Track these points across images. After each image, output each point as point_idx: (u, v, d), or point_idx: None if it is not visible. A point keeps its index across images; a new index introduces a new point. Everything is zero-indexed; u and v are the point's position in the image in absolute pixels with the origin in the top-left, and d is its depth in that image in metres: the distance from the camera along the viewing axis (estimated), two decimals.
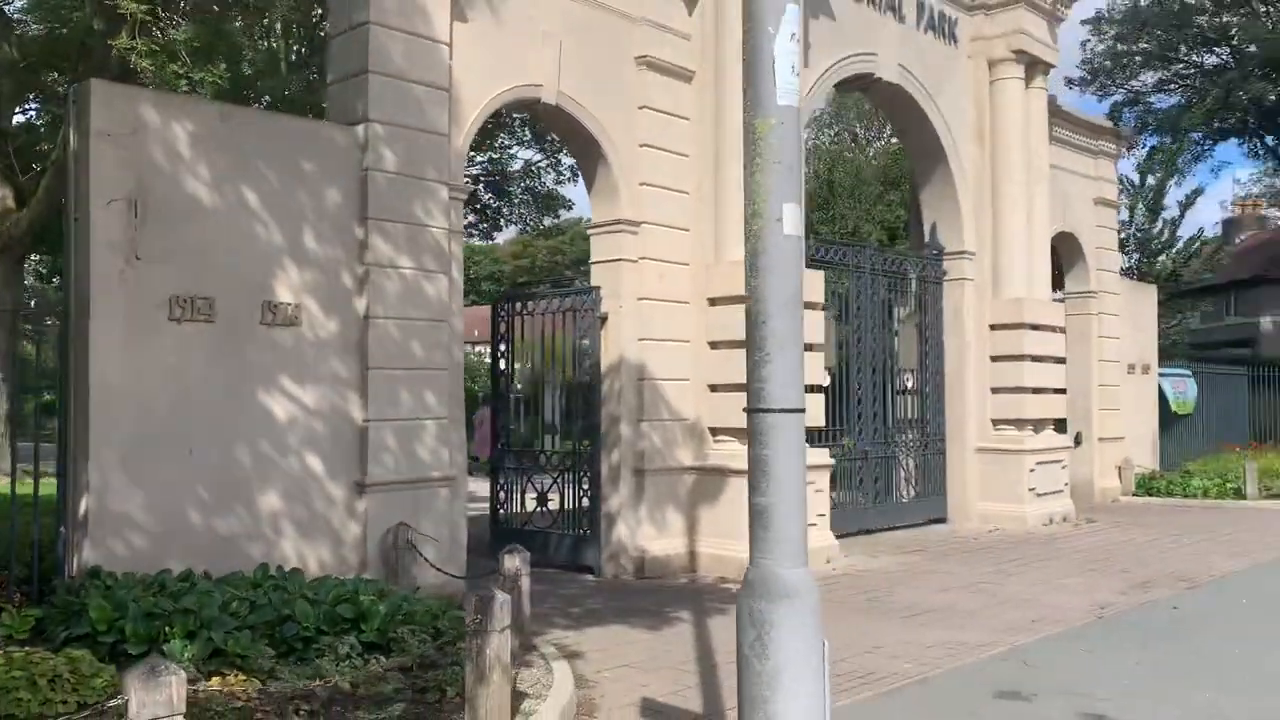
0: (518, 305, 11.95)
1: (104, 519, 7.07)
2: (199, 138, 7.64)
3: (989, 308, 15.65)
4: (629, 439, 10.86)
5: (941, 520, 15.47)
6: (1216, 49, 31.76)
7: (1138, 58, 34.12)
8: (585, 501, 11.07)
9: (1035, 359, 15.61)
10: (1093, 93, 36.23)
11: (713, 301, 11.38)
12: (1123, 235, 31.92)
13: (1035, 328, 15.63)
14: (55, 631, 6.14)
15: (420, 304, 8.88)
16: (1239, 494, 18.05)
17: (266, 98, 15.81)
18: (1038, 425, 15.69)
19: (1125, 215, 32.15)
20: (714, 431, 11.37)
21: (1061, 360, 16.25)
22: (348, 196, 8.53)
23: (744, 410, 4.19)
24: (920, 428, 15.67)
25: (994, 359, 15.61)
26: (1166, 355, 28.51)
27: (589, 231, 11.37)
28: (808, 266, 11.98)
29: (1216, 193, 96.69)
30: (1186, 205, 29.50)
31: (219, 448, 7.64)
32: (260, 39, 17.63)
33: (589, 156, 11.01)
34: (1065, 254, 18.87)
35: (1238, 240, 49.66)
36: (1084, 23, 34.32)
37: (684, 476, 11.29)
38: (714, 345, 11.38)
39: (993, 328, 15.63)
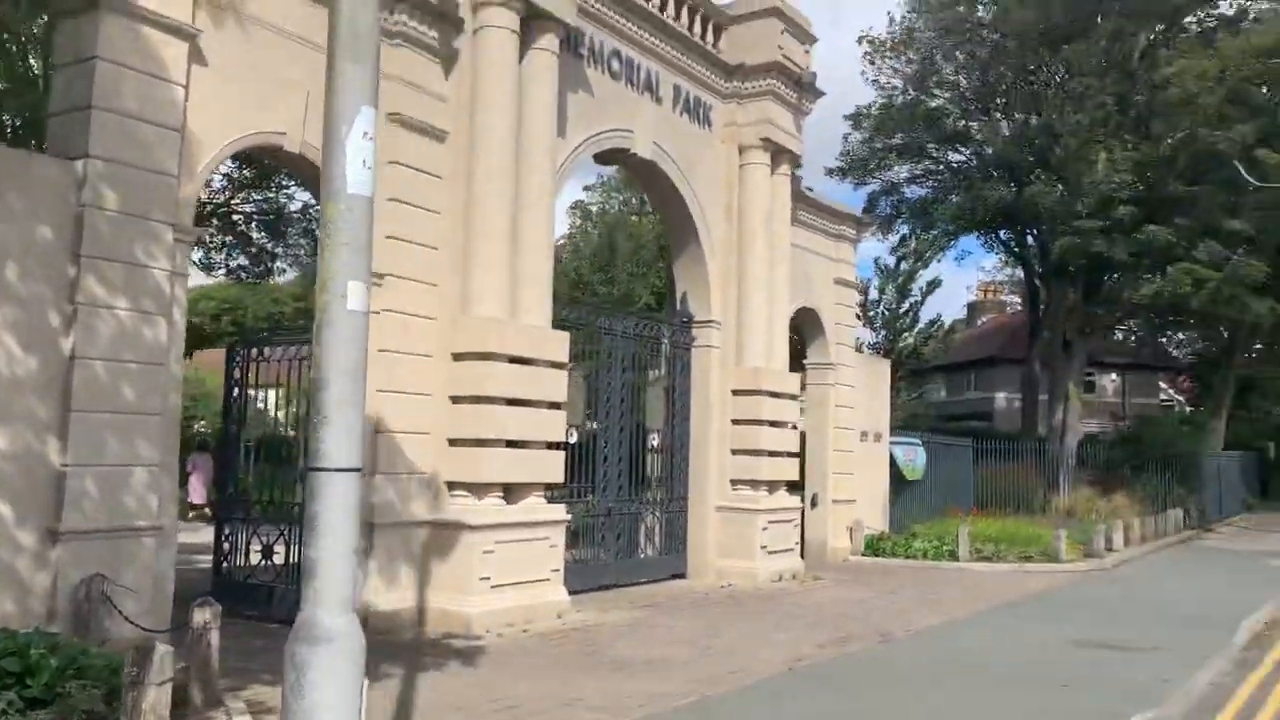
0: (254, 351, 11.74)
1: None
2: None
3: (732, 374, 16.58)
4: (362, 491, 10.80)
5: (682, 576, 16.10)
6: (960, 148, 34.94)
7: (891, 152, 36.99)
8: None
9: (772, 424, 16.63)
10: (850, 181, 39.04)
11: (457, 356, 11.56)
12: (872, 313, 34.56)
13: (773, 395, 16.67)
14: None
15: (135, 346, 8.63)
16: (953, 555, 19.69)
17: (13, 119, 14.94)
18: (772, 486, 16.68)
19: (876, 295, 34.88)
20: (451, 486, 11.49)
21: (795, 426, 17.37)
22: (60, 232, 8.24)
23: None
24: (667, 486, 16.34)
25: (735, 422, 16.50)
26: (911, 425, 30.86)
27: None
28: (556, 328, 12.48)
29: (965, 277, 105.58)
30: (928, 292, 32.32)
31: None
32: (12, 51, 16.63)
33: None
34: (807, 328, 20.25)
35: (980, 322, 54.52)
36: (846, 117, 36.90)
37: (418, 530, 11.33)
38: (455, 400, 11.54)
39: (734, 393, 16.55)
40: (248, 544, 11.53)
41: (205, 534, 14.00)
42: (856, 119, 36.68)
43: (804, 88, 17.26)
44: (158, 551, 8.80)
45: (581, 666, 9.49)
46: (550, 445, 12.26)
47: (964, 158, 35.28)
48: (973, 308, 54.75)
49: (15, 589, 7.88)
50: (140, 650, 5.03)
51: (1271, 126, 25.26)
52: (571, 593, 12.82)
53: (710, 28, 16.64)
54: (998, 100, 32.59)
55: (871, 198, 37.74)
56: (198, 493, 21.51)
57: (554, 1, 12.29)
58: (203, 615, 6.88)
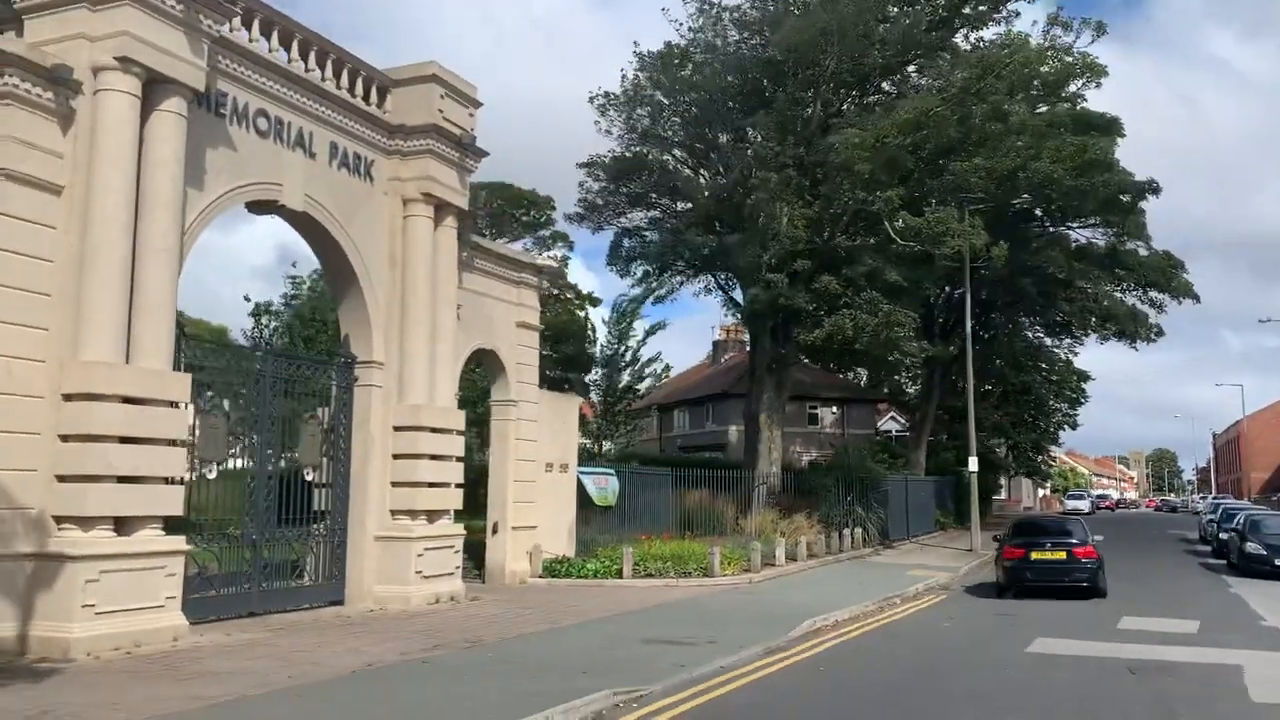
0: None
1: None
2: None
3: (394, 411, 17.79)
4: None
5: (340, 603, 17.07)
6: (679, 200, 37.68)
7: (624, 199, 39.32)
8: None
9: (434, 457, 17.93)
10: (588, 226, 41.24)
11: (67, 397, 12.24)
12: (593, 352, 36.66)
13: (434, 430, 17.99)
14: None
15: None
16: (619, 574, 21.55)
17: None
18: (432, 515, 17.95)
19: (602, 339, 37.03)
20: (59, 519, 12.11)
21: (460, 459, 18.75)
22: None
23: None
24: (330, 518, 17.32)
25: (396, 456, 17.70)
26: (629, 458, 32.96)
27: None
28: (184, 370, 13.36)
29: (714, 317, 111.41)
30: (649, 333, 34.68)
31: None
32: None
33: None
34: (489, 368, 21.76)
35: (724, 359, 58.14)
36: (579, 165, 39.00)
37: (24, 564, 11.89)
38: (65, 439, 12.20)
39: (396, 429, 17.76)
40: None
41: None
42: (590, 167, 38.74)
43: (465, 148, 18.84)
44: None
45: (154, 679, 10.39)
46: (170, 480, 13.08)
47: (683, 208, 37.97)
48: (717, 345, 58.38)
49: None
50: None
51: (918, 190, 28.99)
52: (212, 620, 13.57)
53: (374, 90, 17.98)
54: (711, 156, 35.52)
55: (616, 238, 39.84)
56: None
57: (177, 69, 13.27)
58: None
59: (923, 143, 27.95)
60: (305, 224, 16.91)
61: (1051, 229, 40.10)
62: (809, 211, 28.71)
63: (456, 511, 18.81)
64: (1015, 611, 18.12)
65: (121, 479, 12.40)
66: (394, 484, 17.66)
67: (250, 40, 15.40)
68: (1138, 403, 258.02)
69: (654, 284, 38.61)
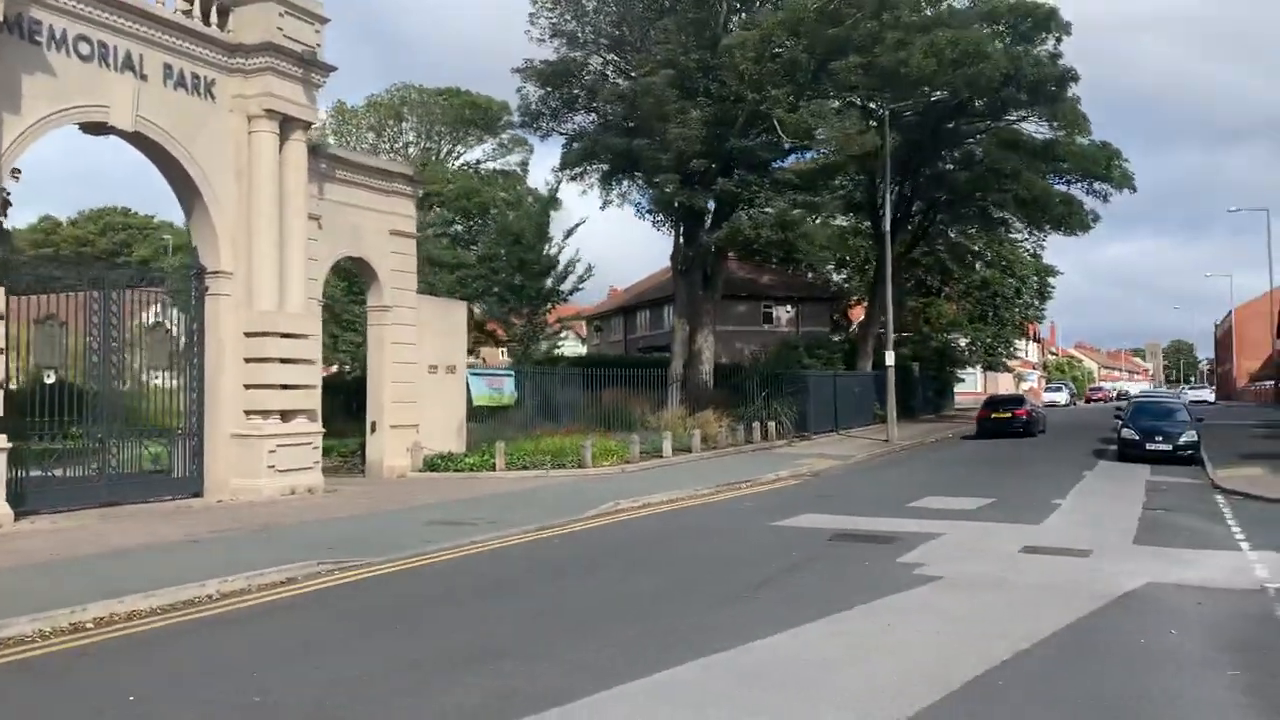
0: None
1: None
2: None
3: (244, 318, 18.97)
4: None
5: (199, 494, 18.53)
6: (605, 105, 37.97)
7: (560, 105, 39.59)
8: None
9: (285, 361, 19.16)
10: (534, 133, 41.64)
11: None
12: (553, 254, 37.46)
13: (285, 336, 19.17)
14: None
15: None
16: (493, 468, 22.93)
17: None
18: (286, 415, 19.26)
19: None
20: None
21: (312, 361, 19.97)
22: None
23: None
24: (187, 418, 18.68)
25: (248, 360, 18.93)
26: (555, 360, 34.09)
27: None
28: (36, 285, 14.49)
29: None
30: (568, 234, 35.47)
31: None
32: None
33: None
34: (363, 275, 22.83)
35: None
36: (514, 71, 39.20)
37: None
38: None
39: (247, 335, 18.95)
40: None
41: None
42: (523, 73, 38.97)
43: (308, 63, 19.57)
44: None
45: None
46: None
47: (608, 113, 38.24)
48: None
49: None
50: None
51: (812, 85, 29.31)
52: (60, 510, 15.13)
53: (214, 10, 18.69)
54: (628, 60, 35.74)
55: (568, 141, 39.85)
56: None
57: None
58: None
59: (813, 45, 28.20)
60: (143, 143, 17.84)
61: (987, 125, 40.15)
62: (702, 114, 29.16)
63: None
64: (836, 493, 19.34)
65: None
66: (246, 386, 18.92)
67: None
68: (1178, 295, 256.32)
69: (606, 190, 39.21)
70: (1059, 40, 36.96)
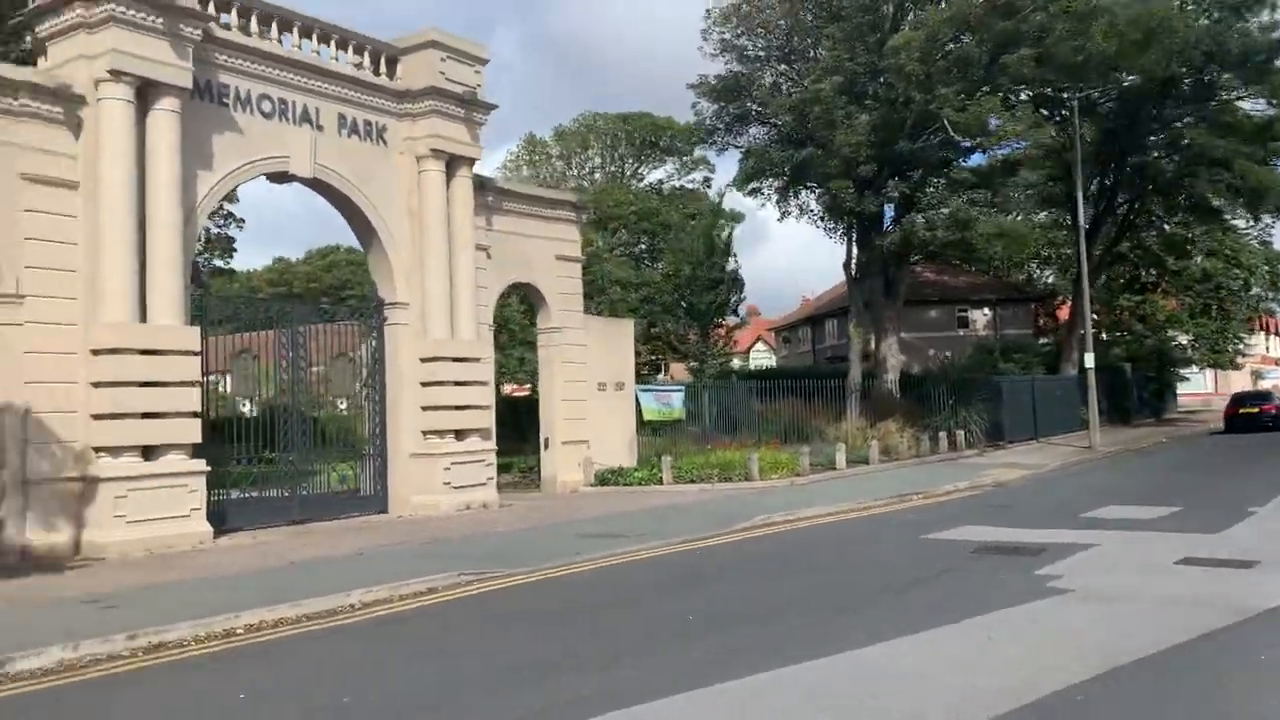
0: None
1: None
2: None
3: (420, 346, 20.20)
4: (15, 461, 14.65)
5: (384, 511, 19.87)
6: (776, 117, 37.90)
7: (734, 119, 39.87)
8: None
9: (458, 384, 20.28)
10: (710, 148, 42.19)
11: (95, 352, 15.28)
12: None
13: (457, 360, 20.30)
14: None
15: None
16: (660, 481, 23.31)
17: None
18: (460, 434, 20.35)
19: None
20: (98, 450, 15.24)
21: (483, 383, 20.99)
22: None
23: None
24: (372, 441, 20.10)
25: (424, 384, 20.15)
26: (726, 374, 34.24)
27: None
28: (214, 323, 16.19)
29: None
30: (728, 249, 35.48)
31: None
32: None
33: None
34: (532, 299, 23.79)
35: None
36: (689, 87, 39.80)
37: (73, 485, 15.12)
38: (96, 385, 15.27)
39: (422, 360, 20.19)
40: None
41: None
42: (697, 89, 39.53)
43: (469, 103, 20.70)
44: None
45: (152, 569, 13.27)
46: (190, 414, 15.99)
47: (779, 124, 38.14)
48: None
49: None
50: None
51: (985, 78, 28.22)
52: (258, 527, 16.76)
53: (383, 61, 20.13)
54: (797, 69, 35.55)
55: (744, 155, 40.22)
56: None
57: (165, 73, 15.85)
58: None
59: (983, 39, 27.21)
60: (322, 188, 19.40)
61: (1194, 108, 37.24)
62: (870, 118, 28.64)
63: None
64: (1009, 505, 18.52)
65: (144, 415, 15.40)
66: (423, 408, 20.14)
67: (249, 35, 17.81)
68: None
69: (784, 201, 39.20)
70: (1275, 8, 33.99)
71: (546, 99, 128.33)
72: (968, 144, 27.66)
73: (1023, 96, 30.52)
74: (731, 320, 40.77)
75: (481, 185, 21.89)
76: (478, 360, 20.90)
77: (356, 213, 19.79)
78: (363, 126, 19.73)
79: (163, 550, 15.07)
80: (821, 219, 35.02)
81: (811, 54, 34.40)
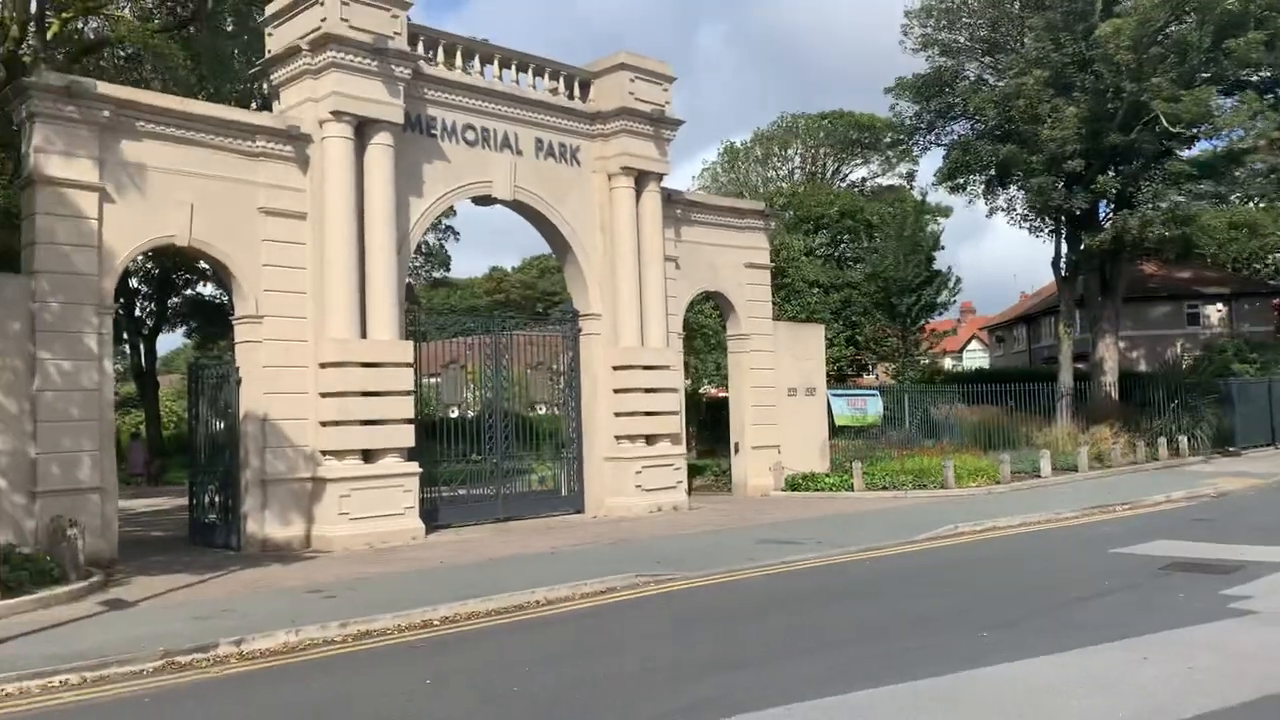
0: (197, 373, 17.81)
1: None
2: None
3: (612, 354, 21.15)
4: (255, 463, 16.56)
5: (580, 511, 20.94)
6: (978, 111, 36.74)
7: (938, 117, 39.01)
8: (231, 503, 16.78)
9: (648, 390, 21.11)
10: (914, 146, 41.45)
11: (322, 365, 17.03)
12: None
13: (647, 368, 21.12)
14: None
15: (78, 383, 14.64)
16: (851, 487, 23.28)
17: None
18: (651, 439, 21.16)
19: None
20: (325, 453, 16.97)
21: (673, 390, 21.70)
22: (24, 322, 14.35)
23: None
24: (569, 444, 21.25)
25: (616, 391, 21.09)
26: (930, 378, 33.53)
27: (233, 320, 17.15)
28: (425, 337, 17.74)
29: None
30: (933, 247, 34.56)
31: None
32: None
33: (224, 277, 16.84)
34: (720, 307, 24.31)
35: None
36: (886, 90, 39.28)
37: (304, 485, 16.91)
38: (324, 395, 17.01)
39: (614, 368, 21.13)
40: (210, 499, 17.57)
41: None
42: (895, 90, 38.99)
43: (657, 121, 21.48)
44: (102, 503, 14.80)
45: (368, 562, 14.73)
46: (405, 421, 17.51)
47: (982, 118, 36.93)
48: None
49: (13, 527, 14.07)
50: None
51: (1206, 67, 26.46)
52: (470, 524, 18.23)
53: (576, 85, 21.23)
54: (1000, 61, 34.34)
55: (949, 151, 39.39)
56: (137, 466, 33.19)
57: (380, 110, 17.44)
58: (70, 528, 12.71)
59: (1203, 22, 25.53)
60: (520, 208, 20.68)
61: None
62: (1077, 110, 27.40)
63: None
64: (1221, 518, 17.49)
65: (365, 422, 17.01)
66: (616, 414, 21.07)
67: (453, 69, 19.26)
68: None
69: (991, 197, 38.08)
70: None
71: (752, 95, 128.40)
72: (1190, 133, 25.96)
73: (1254, 80, 28.32)
74: (940, 320, 39.68)
75: (669, 198, 22.62)
76: (667, 368, 21.64)
77: (552, 230, 20.96)
78: (558, 148, 20.87)
79: (380, 545, 16.61)
80: (1026, 217, 33.72)
81: (1015, 46, 33.23)
